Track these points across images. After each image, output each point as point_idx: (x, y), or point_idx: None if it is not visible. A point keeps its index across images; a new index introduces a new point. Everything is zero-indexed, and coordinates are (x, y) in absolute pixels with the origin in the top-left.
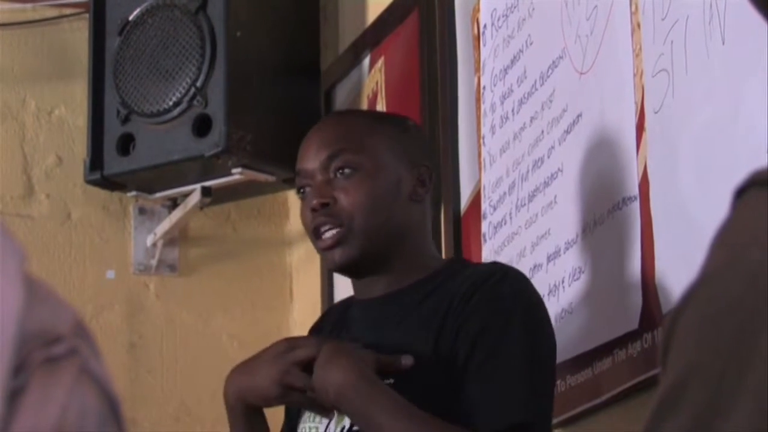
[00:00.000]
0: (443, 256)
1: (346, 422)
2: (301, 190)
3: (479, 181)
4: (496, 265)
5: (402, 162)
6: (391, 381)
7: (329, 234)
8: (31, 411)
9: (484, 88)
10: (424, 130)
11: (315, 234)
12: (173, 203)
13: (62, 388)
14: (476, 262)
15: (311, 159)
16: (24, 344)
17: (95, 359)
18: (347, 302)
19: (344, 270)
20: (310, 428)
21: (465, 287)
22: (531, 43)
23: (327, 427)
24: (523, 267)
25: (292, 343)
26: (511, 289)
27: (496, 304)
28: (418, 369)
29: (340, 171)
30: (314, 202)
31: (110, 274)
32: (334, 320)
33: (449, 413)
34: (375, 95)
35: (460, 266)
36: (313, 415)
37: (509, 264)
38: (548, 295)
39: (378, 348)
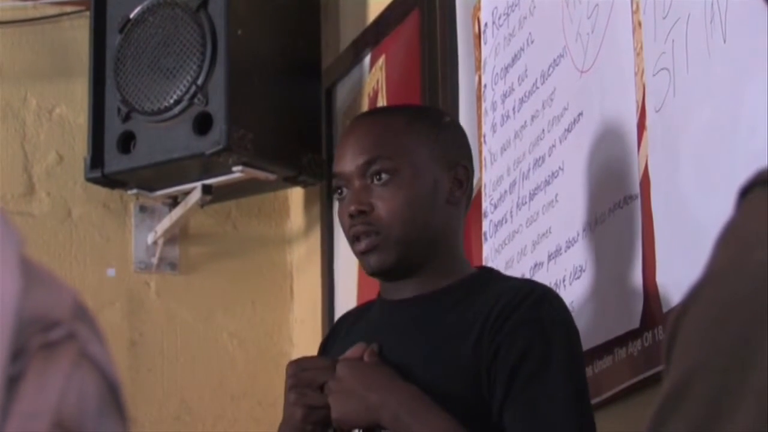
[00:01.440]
0: None
1: None
2: (339, 191)
3: (480, 179)
4: (532, 284)
5: (439, 163)
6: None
7: (366, 241)
8: (29, 397)
9: (485, 86)
10: None
11: (353, 240)
12: (174, 201)
13: (60, 373)
14: (506, 275)
15: (348, 162)
16: (22, 330)
17: (95, 342)
18: (368, 304)
19: (380, 275)
20: None
21: (501, 304)
22: (532, 42)
23: None
24: (524, 265)
25: (300, 365)
26: (550, 312)
27: (537, 328)
28: (444, 379)
29: (377, 177)
30: (352, 208)
31: (111, 272)
32: (349, 327)
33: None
34: (376, 93)
35: (490, 277)
36: None
37: (539, 282)
38: None
39: (400, 353)
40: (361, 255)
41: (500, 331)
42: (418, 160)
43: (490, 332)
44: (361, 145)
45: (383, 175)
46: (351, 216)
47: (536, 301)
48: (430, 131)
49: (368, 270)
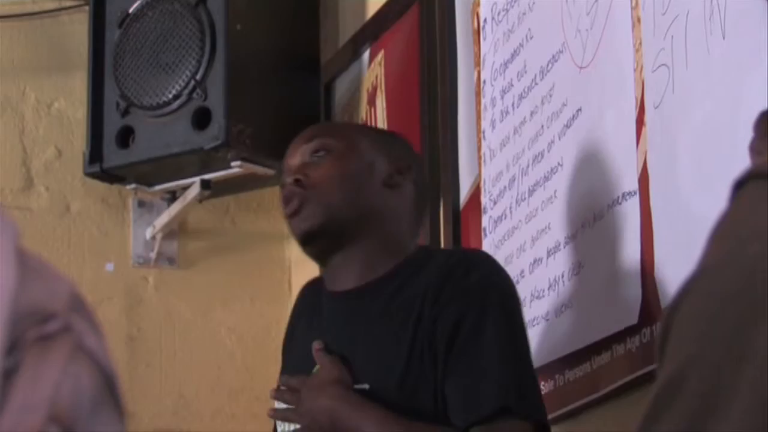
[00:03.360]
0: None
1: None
2: (282, 186)
3: (479, 175)
4: (463, 253)
5: (379, 152)
6: (366, 386)
7: (295, 200)
8: (24, 390)
9: (484, 82)
10: (424, 124)
11: (284, 204)
12: (172, 196)
13: (55, 367)
14: (443, 249)
15: (292, 155)
16: (17, 322)
17: (92, 335)
18: (319, 287)
19: (308, 239)
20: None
21: (434, 281)
22: (531, 38)
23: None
24: (523, 261)
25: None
26: (482, 278)
27: (469, 296)
28: (394, 370)
29: (316, 153)
30: (289, 179)
31: (109, 266)
32: (310, 307)
33: (429, 410)
34: (375, 89)
35: (425, 255)
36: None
37: (473, 249)
38: (548, 289)
39: (351, 348)
40: (289, 219)
41: (435, 304)
42: (357, 143)
43: (427, 308)
44: (306, 135)
45: (321, 152)
46: (288, 188)
47: (467, 268)
48: (376, 132)
49: (296, 233)
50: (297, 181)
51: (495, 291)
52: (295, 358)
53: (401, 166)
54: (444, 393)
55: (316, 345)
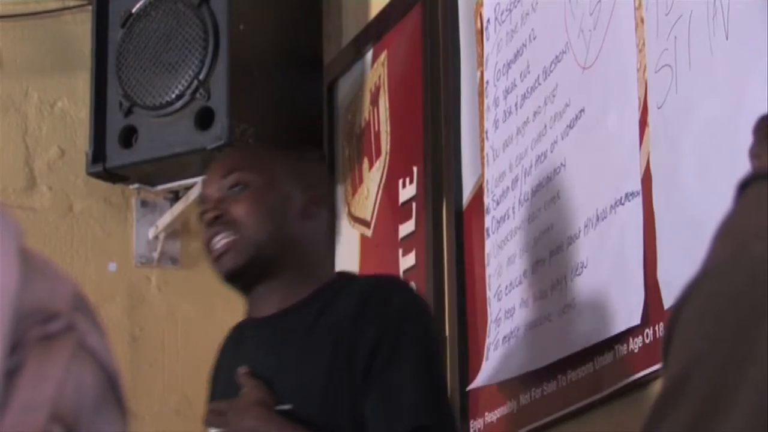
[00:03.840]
0: (444, 250)
1: None
2: (204, 213)
3: (482, 175)
4: (378, 280)
5: (294, 182)
6: (289, 407)
7: (222, 242)
8: (28, 389)
9: (487, 82)
10: (427, 124)
11: (208, 243)
12: (175, 196)
13: (58, 366)
14: (362, 275)
15: (209, 184)
16: (20, 322)
17: (94, 334)
18: (242, 324)
19: (235, 277)
20: None
21: (353, 306)
22: (534, 38)
23: None
24: (526, 262)
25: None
26: (398, 303)
27: (384, 323)
28: (314, 391)
29: (233, 188)
30: (209, 215)
31: (112, 266)
32: (234, 341)
33: (350, 430)
34: (378, 89)
35: (346, 281)
36: None
37: (388, 275)
38: (551, 290)
39: (274, 370)
40: (216, 260)
41: (354, 328)
42: (272, 175)
43: (346, 332)
44: (222, 166)
45: (237, 187)
46: (208, 225)
47: (385, 294)
48: (288, 157)
49: (223, 271)
50: (217, 218)
51: (412, 317)
52: (221, 385)
53: (315, 195)
54: (363, 414)
55: (242, 370)
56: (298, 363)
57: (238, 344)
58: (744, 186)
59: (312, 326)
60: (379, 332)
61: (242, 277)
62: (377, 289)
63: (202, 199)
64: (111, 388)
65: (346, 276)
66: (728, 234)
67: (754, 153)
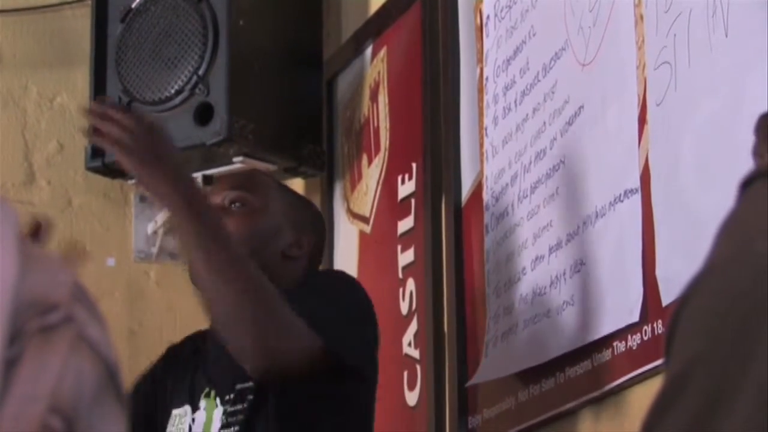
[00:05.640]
0: (443, 246)
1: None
2: None
3: (481, 172)
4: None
5: (287, 219)
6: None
7: None
8: (27, 380)
9: (486, 79)
10: (426, 121)
11: None
12: None
13: (57, 357)
14: None
15: (217, 192)
16: (20, 313)
17: (94, 325)
18: (205, 332)
19: (197, 284)
20: (175, 414)
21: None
22: (534, 35)
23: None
24: (525, 258)
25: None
26: (328, 273)
27: (316, 285)
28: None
29: (234, 204)
30: None
31: (111, 261)
32: (197, 347)
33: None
34: (377, 85)
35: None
36: (181, 400)
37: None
38: (549, 286)
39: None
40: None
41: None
42: (270, 205)
43: None
44: (231, 180)
45: (237, 203)
46: None
47: (318, 274)
48: (292, 197)
49: (191, 276)
50: None
51: (340, 278)
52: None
53: (302, 239)
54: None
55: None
56: None
57: (200, 342)
58: (747, 184)
59: None
60: (310, 291)
61: None
62: (318, 273)
63: None
64: (110, 380)
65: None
66: (731, 231)
67: (757, 151)
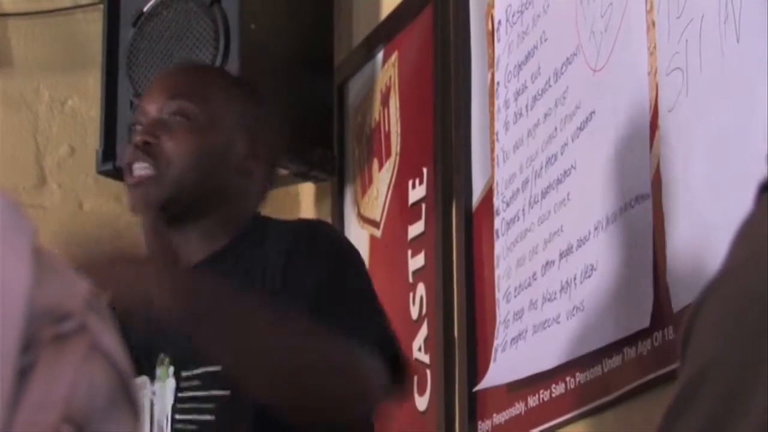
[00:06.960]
0: (454, 251)
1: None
2: (136, 126)
3: (492, 177)
4: (303, 223)
5: (240, 130)
6: (219, 369)
7: (141, 172)
8: (40, 389)
9: (497, 84)
10: (437, 125)
11: (128, 169)
12: None
13: (71, 366)
14: (278, 219)
15: (153, 98)
16: (33, 321)
17: (107, 335)
18: None
19: (141, 213)
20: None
21: (279, 251)
22: (545, 40)
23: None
24: (536, 263)
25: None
26: (329, 245)
27: (322, 264)
28: None
29: (174, 115)
30: (138, 138)
31: None
32: None
33: None
34: (388, 90)
35: (261, 224)
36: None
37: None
38: (560, 291)
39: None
40: (130, 187)
41: (284, 272)
42: (219, 117)
43: (276, 277)
44: (170, 83)
45: (179, 117)
46: (136, 146)
47: (312, 237)
48: (240, 94)
49: (131, 203)
50: (146, 144)
51: (343, 254)
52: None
53: (258, 150)
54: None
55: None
56: None
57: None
58: (764, 189)
59: (231, 274)
60: (319, 276)
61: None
62: (303, 230)
63: (139, 111)
64: (123, 389)
65: (261, 219)
66: (747, 237)
67: None
